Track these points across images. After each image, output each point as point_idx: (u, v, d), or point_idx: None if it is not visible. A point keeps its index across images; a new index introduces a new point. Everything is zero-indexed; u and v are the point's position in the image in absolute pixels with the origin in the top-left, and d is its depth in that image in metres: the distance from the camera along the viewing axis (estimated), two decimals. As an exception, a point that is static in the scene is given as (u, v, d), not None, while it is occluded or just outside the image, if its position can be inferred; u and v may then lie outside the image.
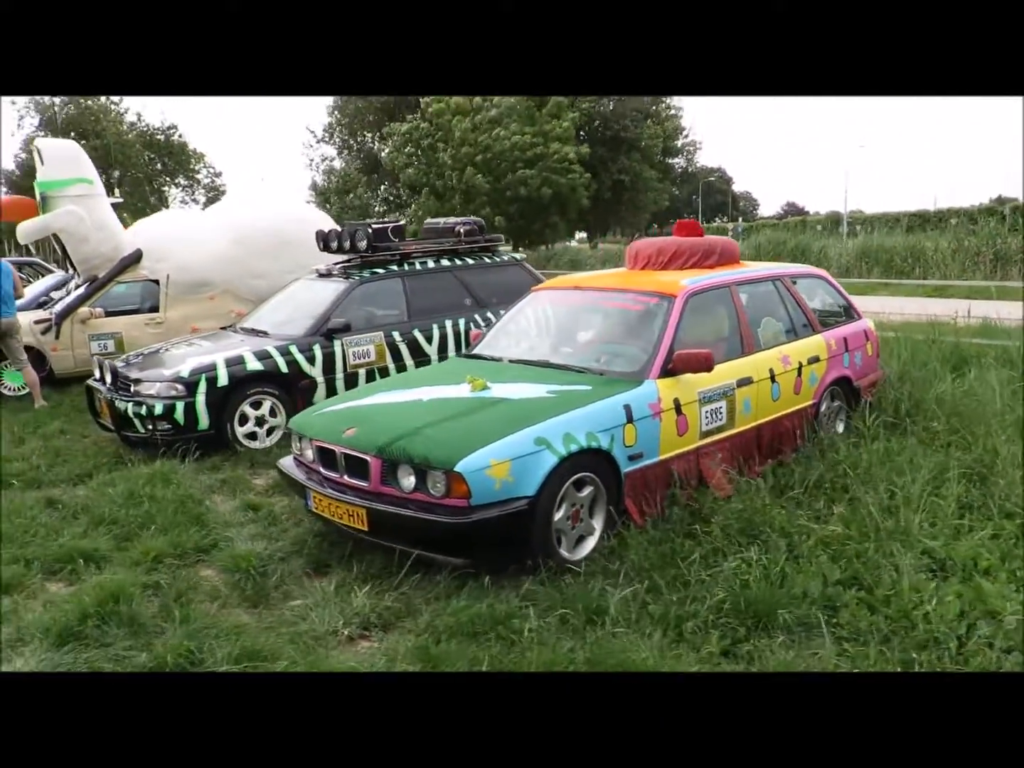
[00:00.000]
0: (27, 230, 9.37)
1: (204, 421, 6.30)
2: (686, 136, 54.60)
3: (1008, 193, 53.32)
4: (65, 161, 9.36)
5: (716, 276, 5.09)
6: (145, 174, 49.61)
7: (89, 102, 47.86)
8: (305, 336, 6.86)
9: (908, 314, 9.86)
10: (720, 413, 4.66)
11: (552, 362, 4.68)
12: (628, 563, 3.70)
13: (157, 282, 9.78)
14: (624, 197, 43.14)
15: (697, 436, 4.53)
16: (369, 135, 47.68)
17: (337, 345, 6.92)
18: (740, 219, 61.87)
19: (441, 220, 8.36)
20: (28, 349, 9.03)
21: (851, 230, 34.90)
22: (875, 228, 25.09)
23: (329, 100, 47.32)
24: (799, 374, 5.23)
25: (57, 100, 47.71)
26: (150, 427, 6.30)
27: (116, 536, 4.68)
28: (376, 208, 40.36)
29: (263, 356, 6.59)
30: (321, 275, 7.70)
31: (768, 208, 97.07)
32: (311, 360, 6.78)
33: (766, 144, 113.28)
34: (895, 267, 16.05)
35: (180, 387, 6.27)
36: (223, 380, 6.38)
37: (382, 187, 43.01)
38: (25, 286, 15.64)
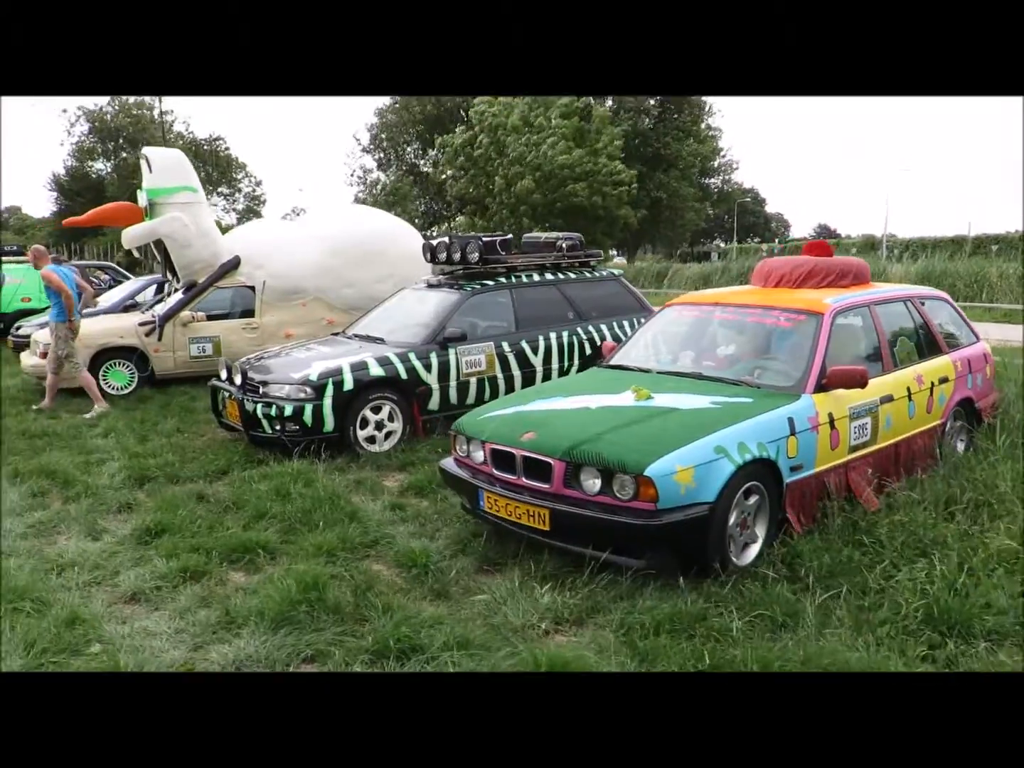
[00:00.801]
0: (133, 235, 9.68)
1: (329, 424, 6.50)
2: (724, 156, 54.84)
3: None
4: (172, 169, 9.69)
5: (857, 295, 5.23)
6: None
7: (141, 111, 48.90)
8: (423, 344, 7.06)
9: (992, 339, 9.92)
10: (866, 429, 4.78)
11: (704, 374, 4.82)
12: (811, 569, 3.83)
13: (253, 288, 10.05)
14: (662, 216, 43.35)
15: (846, 450, 4.66)
16: (410, 148, 48.33)
17: (452, 354, 7.11)
18: (776, 240, 61.73)
19: (542, 235, 8.55)
20: (132, 350, 9.34)
21: (889, 253, 34.79)
22: (924, 252, 25.00)
23: (373, 110, 48.05)
24: (931, 393, 5.34)
25: (108, 108, 48.83)
26: (278, 427, 6.51)
27: (279, 530, 4.87)
28: (417, 221, 40.83)
29: (384, 362, 6.80)
30: (431, 285, 7.92)
31: (800, 230, 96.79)
32: (428, 368, 6.98)
33: (799, 166, 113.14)
34: (959, 292, 16.07)
35: (309, 390, 6.48)
36: (348, 384, 6.58)
37: (422, 200, 43.49)
38: (98, 288, 16.16)
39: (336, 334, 8.16)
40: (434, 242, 8.08)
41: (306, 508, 5.16)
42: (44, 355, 9.04)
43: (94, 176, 48.86)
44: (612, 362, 5.42)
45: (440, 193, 44.74)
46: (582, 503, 3.97)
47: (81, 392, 9.00)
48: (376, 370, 6.74)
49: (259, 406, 6.55)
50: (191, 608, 3.94)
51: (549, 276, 8.09)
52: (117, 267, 18.43)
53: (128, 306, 12.36)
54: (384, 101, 46.76)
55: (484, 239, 7.73)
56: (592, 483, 3.94)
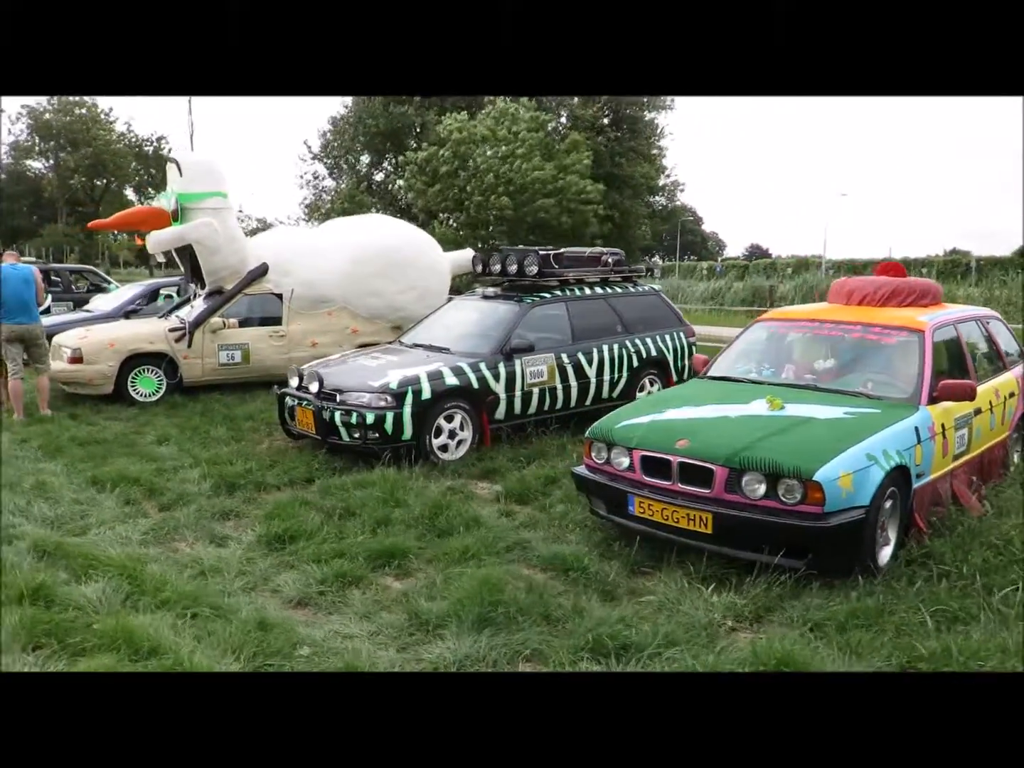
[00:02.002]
0: (161, 239, 9.55)
1: (408, 432, 6.57)
2: (668, 176, 56.05)
3: (961, 247, 56.19)
4: (203, 174, 9.59)
5: (945, 314, 5.58)
6: (134, 184, 49.36)
7: (82, 110, 47.54)
8: (491, 354, 7.18)
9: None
10: (964, 439, 5.12)
11: (820, 386, 5.09)
12: (967, 567, 4.11)
13: (279, 296, 10.00)
14: (614, 233, 44.06)
15: (951, 459, 4.98)
16: (364, 159, 48.03)
17: (517, 364, 7.25)
18: (719, 260, 63.45)
19: (587, 249, 8.75)
20: (161, 356, 9.21)
21: (825, 274, 36.09)
22: (855, 272, 26.10)
23: (327, 117, 47.61)
24: (1004, 406, 5.72)
25: (48, 106, 47.34)
26: (357, 435, 6.55)
27: (410, 536, 4.94)
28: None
29: (458, 372, 6.90)
30: (486, 297, 8.04)
31: (734, 249, 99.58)
32: (496, 377, 7.10)
33: (733, 188, 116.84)
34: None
35: (389, 398, 6.54)
36: (426, 393, 6.66)
37: (378, 210, 43.23)
38: (81, 293, 15.75)
39: (391, 342, 8.20)
40: (488, 253, 8.20)
41: (425, 514, 5.23)
42: (73, 360, 8.84)
43: (31, 175, 47.29)
44: (713, 374, 5.65)
45: (394, 203, 44.64)
46: (744, 507, 4.17)
47: (107, 399, 8.87)
48: (451, 379, 6.83)
49: (338, 414, 6.58)
50: (371, 612, 4.00)
51: (599, 290, 8.30)
52: (97, 271, 17.94)
53: (129, 312, 12.14)
54: (338, 110, 46.39)
55: (540, 252, 7.90)
56: (756, 487, 4.14)
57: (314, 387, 6.81)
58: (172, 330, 9.35)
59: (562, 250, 8.17)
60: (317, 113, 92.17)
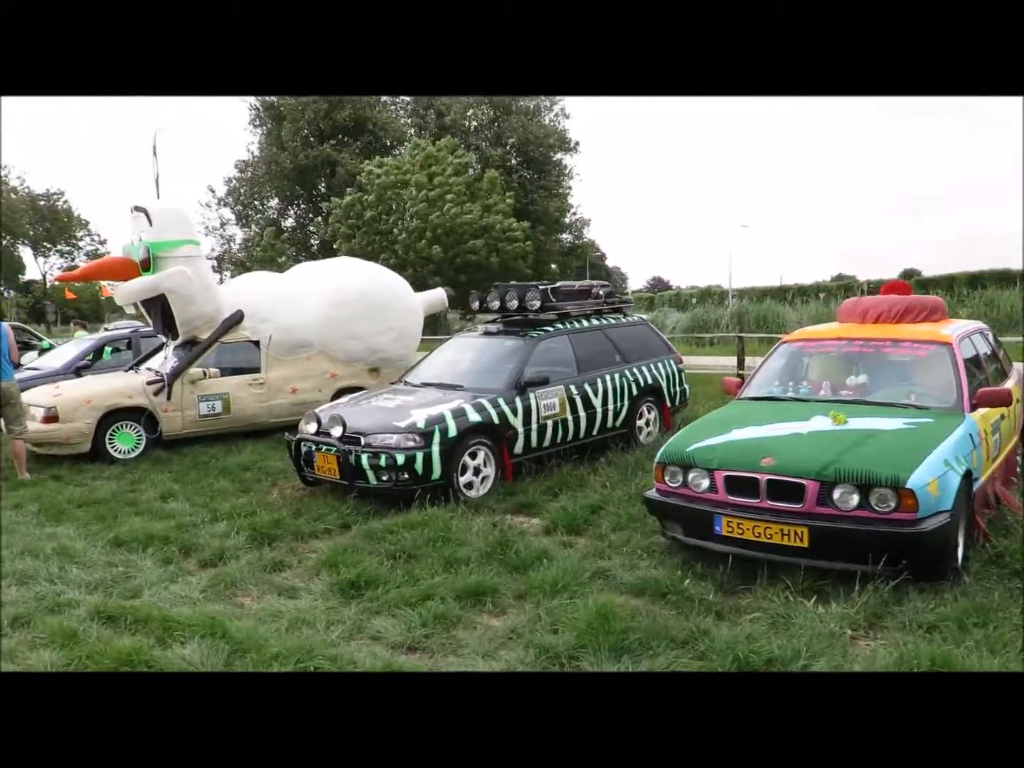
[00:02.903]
0: (130, 290, 9.20)
1: (437, 471, 6.50)
2: (574, 214, 57.46)
3: (848, 271, 59.88)
4: (174, 222, 9.33)
5: (960, 327, 5.92)
6: (30, 239, 47.33)
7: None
8: (506, 389, 7.18)
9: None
10: (996, 442, 5.42)
11: (867, 400, 5.30)
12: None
13: (256, 343, 9.77)
14: (537, 269, 44.75)
15: (991, 462, 5.26)
16: (272, 204, 47.49)
17: (532, 398, 7.27)
18: (628, 292, 64.98)
19: (576, 283, 8.86)
20: (140, 411, 8.84)
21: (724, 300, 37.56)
22: (755, 299, 27.35)
23: (233, 163, 46.74)
24: (1014, 411, 6.08)
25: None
26: (385, 477, 6.44)
27: (488, 573, 4.88)
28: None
29: (479, 408, 6.88)
30: (489, 333, 8.06)
31: (636, 282, 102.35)
32: (514, 412, 7.11)
33: (632, 224, 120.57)
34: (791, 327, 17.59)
35: (418, 437, 6.46)
36: (452, 431, 6.61)
37: (292, 258, 42.71)
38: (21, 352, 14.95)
39: (395, 383, 8.10)
40: (487, 291, 8.22)
41: (492, 551, 5.18)
42: (48, 419, 8.38)
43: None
44: (751, 395, 5.82)
45: (307, 249, 44.16)
46: (837, 518, 4.30)
47: (82, 459, 8.46)
48: (474, 416, 6.80)
49: (365, 457, 6.45)
50: (491, 651, 3.92)
51: (595, 321, 8.43)
52: (27, 327, 17.05)
53: (79, 368, 11.59)
54: (245, 156, 45.86)
55: (540, 287, 7.98)
56: (849, 499, 4.28)
57: (337, 431, 6.66)
58: (150, 383, 8.99)
59: (558, 284, 8.28)
60: (221, 157, 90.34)
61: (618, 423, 8.12)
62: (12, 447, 7.97)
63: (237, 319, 9.64)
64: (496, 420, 6.95)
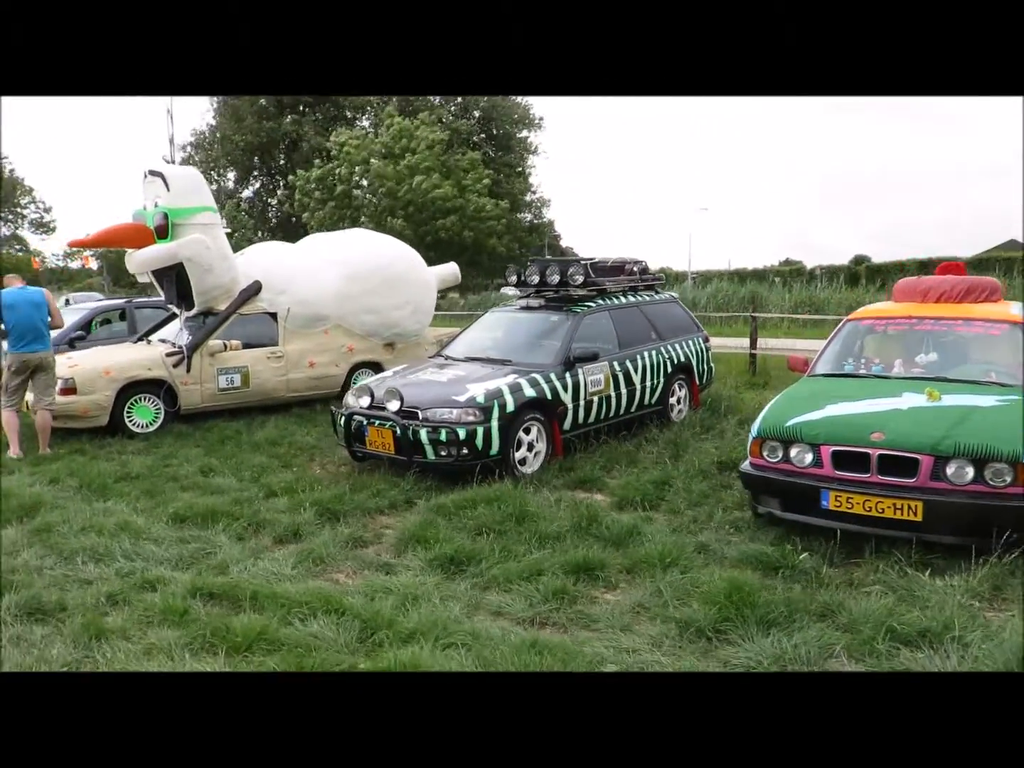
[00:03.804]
0: (145, 258, 8.85)
1: (496, 446, 6.41)
2: (535, 193, 57.33)
3: (794, 256, 61.39)
4: (192, 188, 9.00)
5: (1018, 307, 6.02)
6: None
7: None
8: (556, 365, 7.11)
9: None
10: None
11: (947, 377, 5.36)
12: None
13: (273, 316, 9.51)
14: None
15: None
16: (231, 174, 46.37)
17: (580, 374, 7.21)
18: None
19: (610, 259, 8.77)
20: (159, 383, 8.55)
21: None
22: (711, 282, 27.82)
23: (189, 131, 45.47)
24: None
25: None
26: (445, 453, 6.33)
27: (588, 548, 4.82)
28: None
29: (533, 383, 6.79)
30: (530, 308, 7.95)
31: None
32: (565, 388, 7.04)
33: (588, 203, 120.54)
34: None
35: (478, 412, 6.35)
36: (510, 406, 6.52)
37: (261, 232, 41.80)
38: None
39: (434, 356, 7.95)
40: (528, 265, 8.10)
41: (577, 526, 5.13)
42: (65, 391, 8.04)
43: None
44: (824, 371, 5.85)
45: (266, 222, 43.25)
46: (951, 492, 4.34)
47: (99, 432, 8.16)
48: (529, 391, 6.72)
49: (424, 431, 6.32)
50: (627, 625, 3.88)
51: (631, 298, 8.39)
52: None
53: (73, 339, 11.15)
54: (201, 126, 44.67)
55: (581, 262, 7.90)
56: (964, 473, 4.32)
57: (394, 405, 6.51)
58: (169, 355, 8.69)
59: (596, 260, 8.20)
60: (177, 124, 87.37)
61: (654, 400, 8.11)
62: (39, 419, 7.63)
63: (255, 290, 9.37)
64: (549, 395, 6.88)
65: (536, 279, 7.98)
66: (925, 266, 26.28)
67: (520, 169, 46.25)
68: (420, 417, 6.41)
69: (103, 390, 8.21)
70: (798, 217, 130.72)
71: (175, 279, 9.13)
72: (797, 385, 5.74)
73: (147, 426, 8.52)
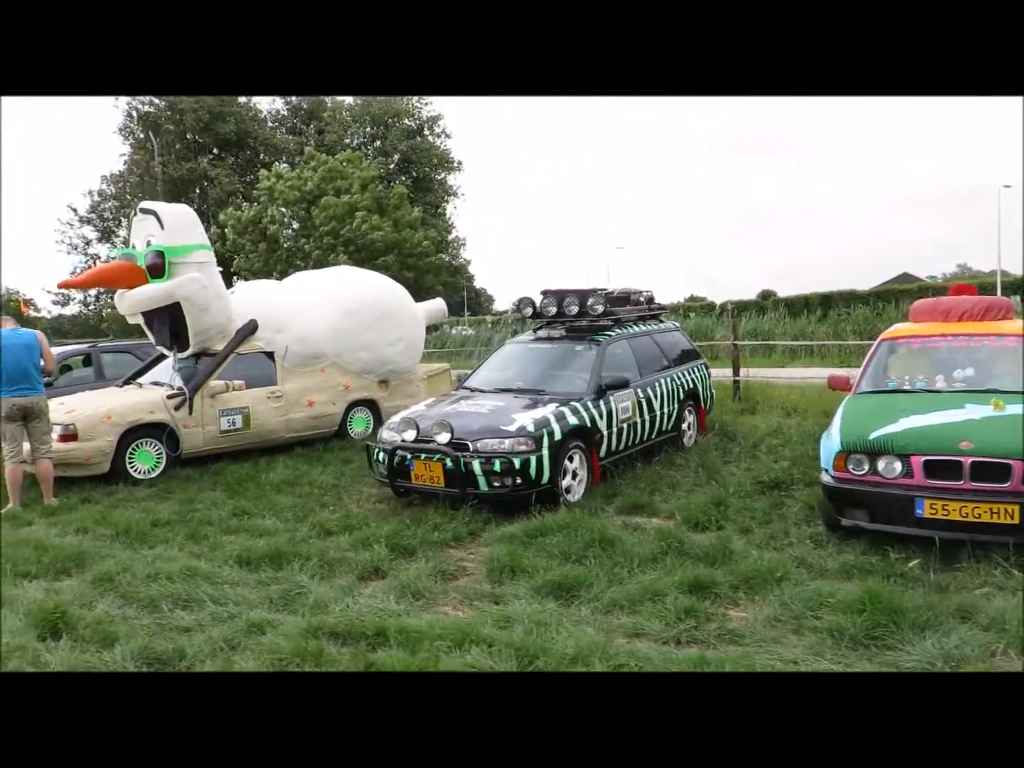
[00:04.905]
0: (139, 299, 8.51)
1: (547, 475, 6.40)
2: (452, 234, 57.77)
3: (697, 292, 63.71)
4: (187, 225, 8.76)
5: (1037, 324, 6.43)
6: None
7: None
8: (589, 393, 7.16)
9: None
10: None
11: (987, 387, 5.64)
12: None
13: (270, 355, 9.28)
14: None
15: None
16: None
17: (612, 401, 7.28)
18: (513, 310, 65.69)
19: (616, 289, 8.90)
20: (161, 427, 8.21)
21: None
22: None
23: (100, 176, 43.93)
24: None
25: None
26: (498, 483, 6.28)
27: (690, 568, 4.85)
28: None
29: (574, 411, 6.83)
30: (552, 338, 7.99)
31: (502, 303, 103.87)
32: (600, 415, 7.10)
33: (500, 246, 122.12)
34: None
35: (530, 441, 6.34)
36: (558, 434, 6.53)
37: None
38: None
39: (458, 390, 7.86)
40: (542, 297, 8.14)
41: (669, 548, 5.16)
42: (66, 437, 7.62)
43: None
44: (870, 389, 6.09)
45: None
46: (1045, 496, 4.57)
47: (98, 480, 7.76)
48: (572, 419, 6.75)
49: (477, 462, 6.26)
50: (776, 637, 3.92)
51: (643, 327, 8.55)
52: None
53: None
54: (115, 168, 43.42)
55: (598, 292, 8.01)
56: (1053, 477, 4.56)
57: (443, 438, 6.42)
58: (171, 397, 8.35)
59: (608, 290, 8.33)
60: (82, 171, 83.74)
61: (670, 426, 8.25)
62: (40, 468, 7.19)
63: (251, 329, 9.13)
64: (588, 423, 6.91)
65: (553, 310, 8.05)
66: (828, 299, 27.65)
67: (441, 210, 46.58)
68: (471, 448, 6.35)
69: (105, 435, 7.81)
70: (694, 254, 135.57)
71: (167, 319, 8.81)
72: (853, 402, 5.94)
73: (148, 472, 8.14)
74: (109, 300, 41.69)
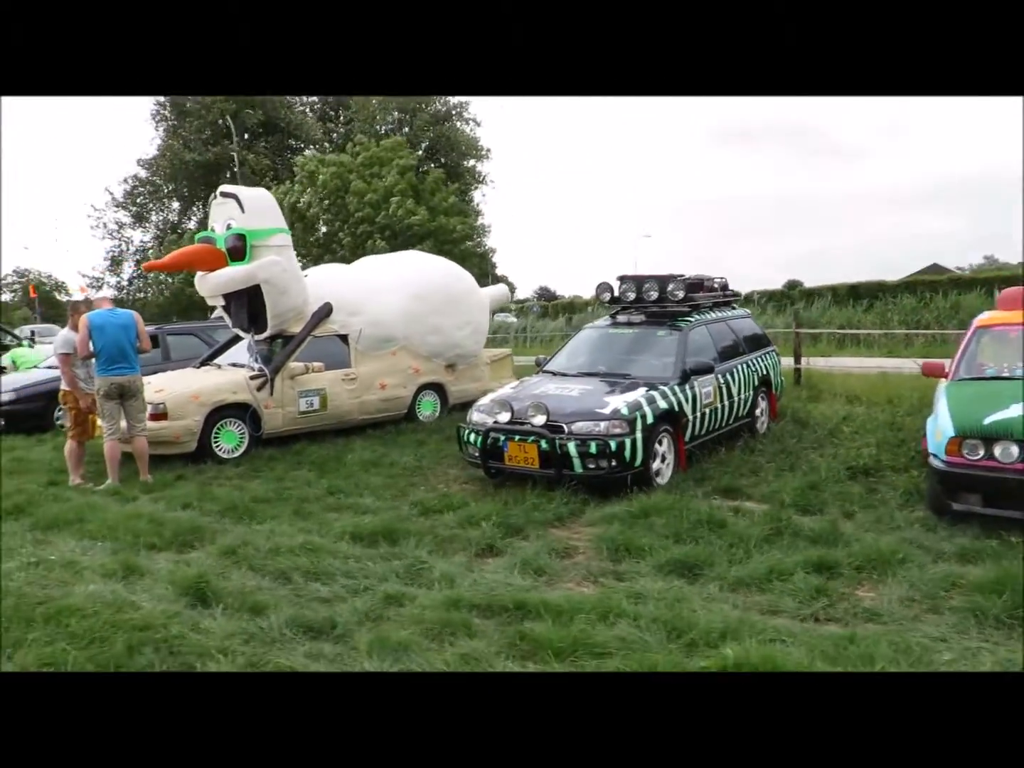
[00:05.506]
0: (220, 281, 8.65)
1: (640, 457, 6.48)
2: (479, 220, 57.70)
3: None
4: (266, 209, 8.88)
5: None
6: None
7: None
8: (675, 377, 7.22)
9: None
10: None
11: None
12: None
13: (343, 337, 9.40)
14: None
15: None
16: (175, 205, 45.32)
17: (696, 386, 7.35)
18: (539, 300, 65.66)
19: (689, 275, 8.94)
20: (244, 407, 8.35)
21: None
22: None
23: (136, 160, 44.10)
24: None
25: None
26: (593, 465, 6.37)
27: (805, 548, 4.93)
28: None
29: (664, 395, 6.90)
30: (632, 324, 8.05)
31: (524, 291, 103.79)
32: (686, 400, 7.16)
33: (524, 232, 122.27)
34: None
35: (625, 424, 6.42)
36: (650, 418, 6.61)
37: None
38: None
39: (538, 373, 7.93)
40: (621, 282, 8.20)
41: (781, 530, 5.24)
42: (156, 416, 7.77)
43: None
44: (970, 376, 6.13)
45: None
46: None
47: (185, 459, 7.91)
48: (662, 403, 6.82)
49: (573, 444, 6.35)
50: (917, 615, 3.99)
51: (718, 313, 8.59)
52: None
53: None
54: (150, 151, 43.64)
55: (678, 278, 8.06)
56: None
57: (539, 420, 6.52)
58: (253, 378, 8.48)
59: (685, 276, 8.37)
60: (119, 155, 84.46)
61: (745, 412, 8.30)
62: (136, 445, 7.35)
63: (327, 312, 9.25)
64: (676, 408, 6.98)
65: (632, 295, 8.11)
66: (855, 289, 27.41)
67: (469, 197, 46.55)
68: (566, 431, 6.44)
69: (193, 415, 7.97)
70: (711, 244, 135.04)
71: (246, 301, 8.94)
72: (955, 389, 5.97)
73: (232, 451, 8.29)
74: (142, 285, 42.16)
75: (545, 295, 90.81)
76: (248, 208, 8.66)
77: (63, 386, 7.65)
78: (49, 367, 11.31)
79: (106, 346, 7.20)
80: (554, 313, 40.00)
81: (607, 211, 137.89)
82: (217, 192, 8.95)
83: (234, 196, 8.72)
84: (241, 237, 8.56)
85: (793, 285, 43.53)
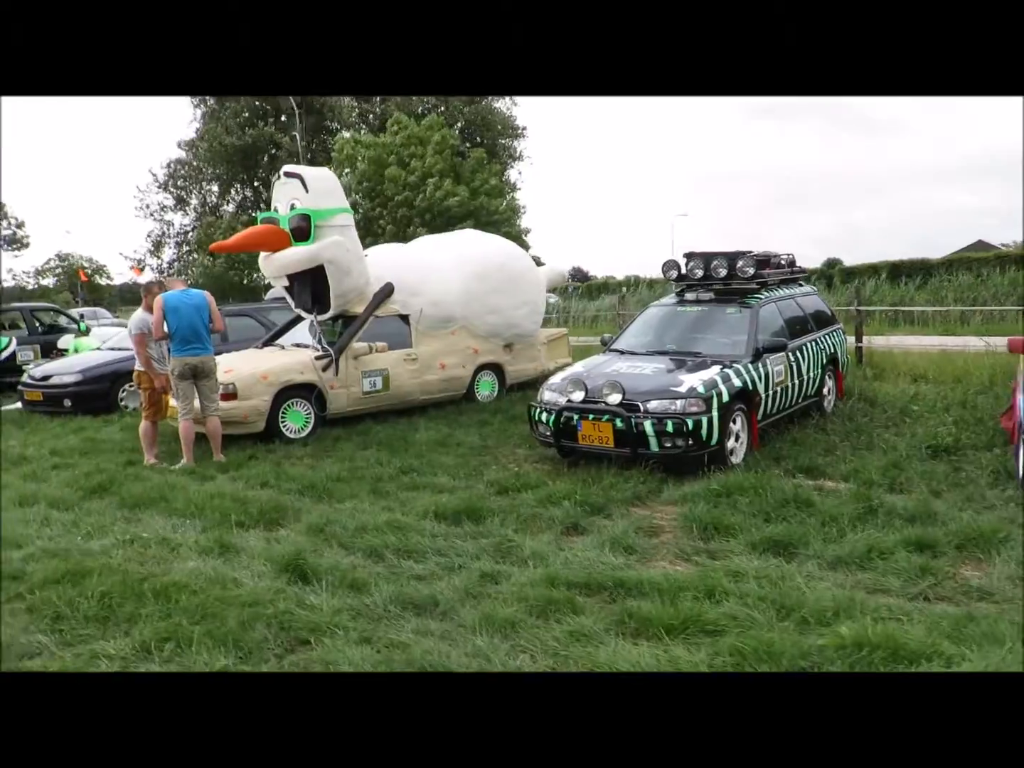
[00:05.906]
0: (288, 261, 8.66)
1: (715, 436, 6.42)
2: (513, 200, 57.41)
3: None
4: (330, 190, 8.87)
5: None
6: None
7: None
8: (747, 355, 7.13)
9: None
10: None
11: None
12: None
13: (404, 317, 9.40)
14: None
15: None
16: (214, 188, 45.67)
17: (769, 364, 7.25)
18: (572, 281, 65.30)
19: (755, 252, 8.81)
20: (310, 387, 8.39)
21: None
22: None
23: (176, 142, 44.50)
24: None
25: None
26: (669, 444, 6.32)
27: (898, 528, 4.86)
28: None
29: (738, 374, 6.81)
30: (701, 301, 7.95)
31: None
32: (760, 378, 7.07)
33: (558, 212, 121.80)
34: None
35: (701, 403, 6.36)
36: (726, 396, 6.54)
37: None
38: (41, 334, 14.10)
39: (606, 352, 7.86)
40: (688, 259, 8.10)
41: (870, 508, 5.17)
42: (226, 396, 7.84)
43: None
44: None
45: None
46: None
47: (254, 438, 7.98)
48: (736, 381, 6.74)
49: (649, 423, 6.31)
50: (1015, 598, 3.91)
51: (786, 290, 8.46)
52: (58, 307, 15.84)
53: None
54: (189, 134, 43.97)
55: (747, 255, 7.94)
56: None
57: (615, 398, 6.48)
58: (319, 358, 8.53)
59: (753, 253, 8.24)
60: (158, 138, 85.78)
61: (813, 390, 8.18)
62: (210, 425, 7.43)
63: (388, 292, 9.25)
64: (750, 386, 6.90)
65: (700, 272, 8.01)
66: (896, 267, 26.84)
67: (506, 176, 46.35)
68: (641, 409, 6.39)
69: (261, 395, 8.03)
70: (749, 222, 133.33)
71: (309, 282, 8.97)
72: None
73: (299, 431, 8.35)
74: (181, 268, 42.56)
75: (578, 276, 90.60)
76: (312, 188, 8.66)
77: (137, 366, 7.74)
78: (112, 348, 11.48)
79: (180, 327, 7.27)
80: (588, 294, 39.85)
81: (640, 190, 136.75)
82: (281, 172, 8.96)
83: (298, 176, 8.72)
84: (305, 217, 8.57)
85: (832, 263, 42.91)
